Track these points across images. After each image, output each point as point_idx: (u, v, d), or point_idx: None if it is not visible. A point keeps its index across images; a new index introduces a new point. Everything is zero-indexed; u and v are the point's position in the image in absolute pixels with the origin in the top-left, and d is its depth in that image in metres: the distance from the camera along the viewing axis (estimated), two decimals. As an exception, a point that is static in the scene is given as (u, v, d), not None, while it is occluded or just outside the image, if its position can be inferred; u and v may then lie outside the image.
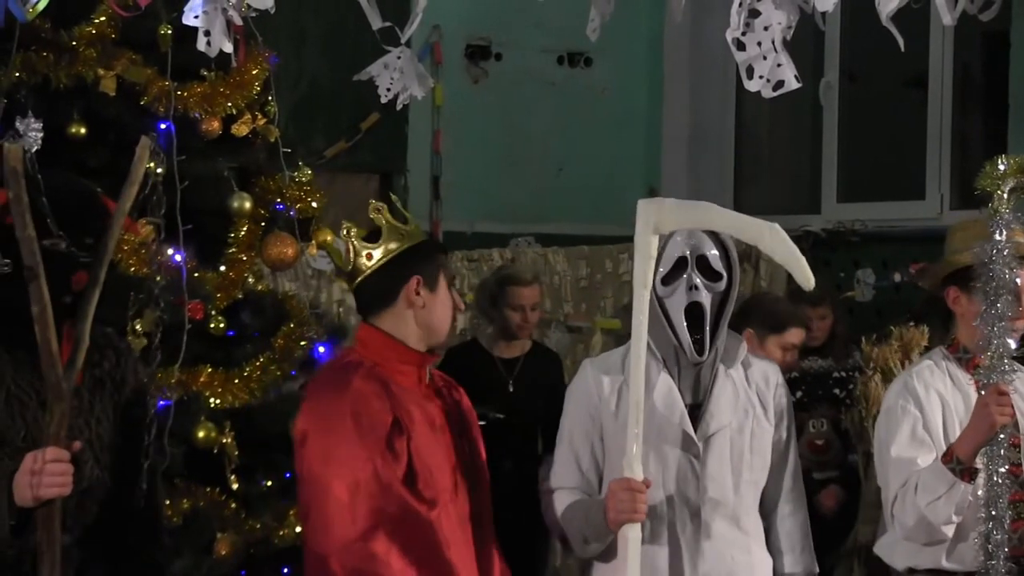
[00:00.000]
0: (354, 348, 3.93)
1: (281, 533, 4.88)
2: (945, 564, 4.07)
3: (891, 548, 4.21)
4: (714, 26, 6.89)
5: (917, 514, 3.99)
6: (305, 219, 5.08)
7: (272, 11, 3.69)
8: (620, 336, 7.57)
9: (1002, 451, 3.89)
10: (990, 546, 3.88)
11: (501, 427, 6.11)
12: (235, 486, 4.82)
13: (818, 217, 8.28)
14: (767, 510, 4.01)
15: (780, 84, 3.44)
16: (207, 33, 3.63)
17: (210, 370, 4.83)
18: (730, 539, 3.90)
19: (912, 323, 5.41)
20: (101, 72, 4.72)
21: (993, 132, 7.85)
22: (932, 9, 3.49)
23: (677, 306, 3.86)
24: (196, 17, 3.62)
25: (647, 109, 8.88)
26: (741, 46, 3.43)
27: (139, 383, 3.70)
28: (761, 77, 3.44)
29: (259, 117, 4.97)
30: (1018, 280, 3.92)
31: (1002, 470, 3.89)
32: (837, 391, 6.22)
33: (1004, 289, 3.88)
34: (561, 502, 3.96)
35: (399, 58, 4.17)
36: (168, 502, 4.52)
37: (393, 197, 4.00)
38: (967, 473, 3.92)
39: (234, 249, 4.97)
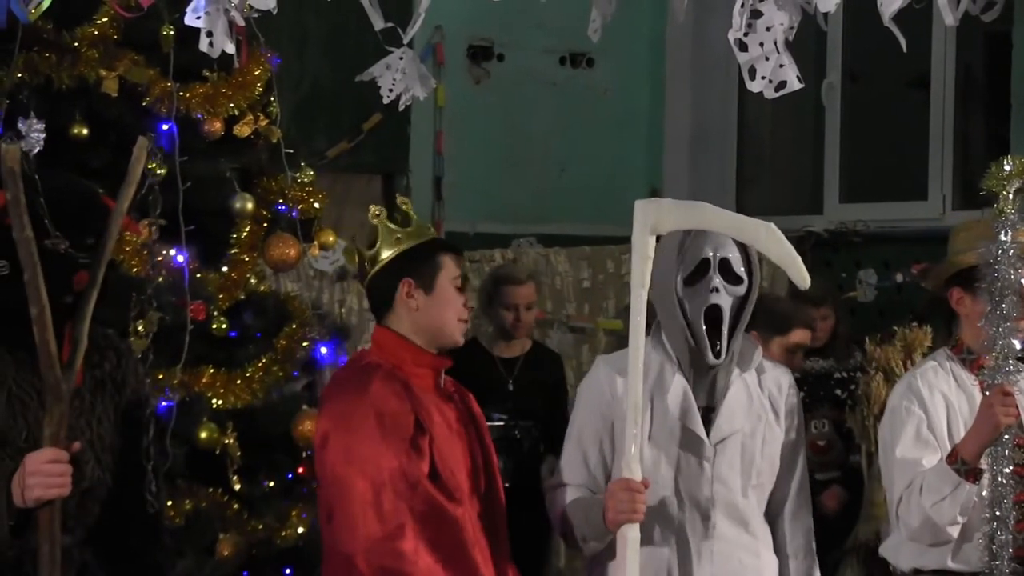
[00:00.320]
0: (370, 350, 3.95)
1: (283, 534, 4.89)
2: (950, 565, 4.07)
3: (896, 549, 4.21)
4: (716, 27, 6.88)
5: (922, 515, 3.99)
6: (307, 220, 5.09)
7: (274, 12, 3.68)
8: (623, 336, 7.55)
9: (1007, 451, 3.89)
10: (994, 546, 3.88)
11: (501, 427, 6.12)
12: (237, 487, 4.82)
13: (820, 218, 8.27)
14: (773, 514, 4.00)
15: (782, 85, 3.44)
16: (209, 34, 3.63)
17: (212, 371, 4.83)
18: (738, 542, 3.90)
19: (916, 324, 5.41)
20: (103, 73, 4.72)
21: (995, 132, 7.85)
22: (934, 10, 3.49)
23: (697, 308, 3.85)
24: (198, 18, 3.62)
25: (649, 110, 8.87)
26: (743, 47, 3.43)
27: (140, 384, 3.70)
28: (763, 78, 3.44)
29: (261, 118, 4.97)
30: (1023, 280, 3.91)
31: (1007, 470, 3.89)
32: (839, 392, 6.22)
33: (1009, 290, 3.88)
34: (565, 499, 3.95)
35: (401, 59, 4.16)
36: (170, 503, 4.52)
37: (399, 199, 4.00)
38: (972, 474, 3.92)
39: (236, 250, 4.98)
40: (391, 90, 4.20)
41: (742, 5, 3.40)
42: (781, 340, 5.66)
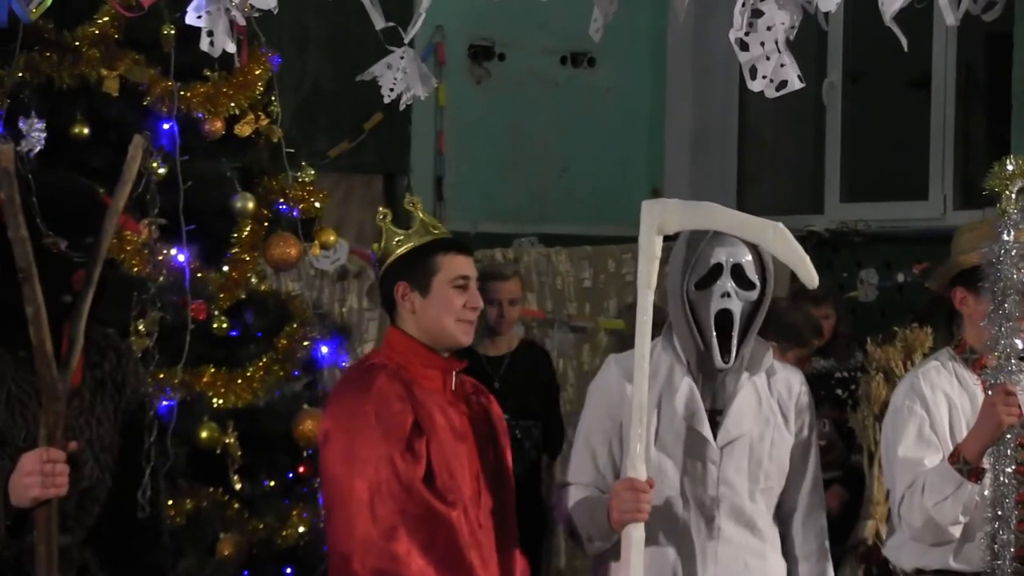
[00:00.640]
0: (381, 350, 3.97)
1: (284, 533, 4.89)
2: (952, 564, 4.06)
3: (898, 549, 4.21)
4: (717, 26, 6.88)
5: (924, 515, 3.98)
6: (308, 219, 5.09)
7: (275, 11, 3.68)
8: (624, 336, 7.56)
9: (1009, 451, 3.89)
10: (996, 546, 3.87)
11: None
12: (238, 486, 4.82)
13: (821, 217, 8.27)
14: (784, 516, 3.99)
15: (783, 84, 3.44)
16: (210, 33, 3.62)
17: (213, 370, 4.84)
18: (745, 544, 3.89)
19: (916, 324, 5.42)
20: (104, 72, 4.72)
21: (996, 132, 7.84)
22: (935, 9, 3.50)
23: (707, 312, 3.84)
24: (199, 17, 3.62)
25: (650, 109, 8.87)
26: (744, 46, 3.43)
27: (140, 384, 3.70)
28: (764, 77, 3.43)
29: (262, 117, 4.97)
30: (1026, 280, 3.91)
31: (1009, 470, 3.88)
32: (840, 392, 6.23)
33: (1012, 289, 3.87)
34: (572, 498, 3.95)
35: (402, 58, 4.16)
36: (171, 502, 4.52)
37: (408, 198, 3.99)
38: (974, 473, 3.92)
39: (237, 249, 4.98)
40: (392, 90, 4.19)
41: (743, 4, 3.40)
42: (798, 352, 5.68)
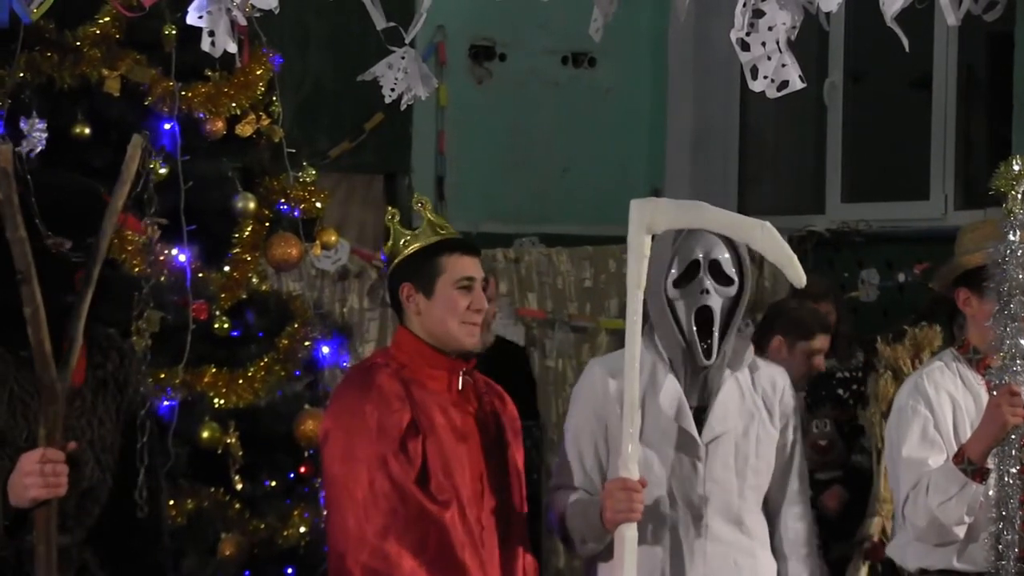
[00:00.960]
0: (386, 349, 3.99)
1: (285, 534, 4.89)
2: (956, 565, 4.07)
3: (903, 549, 4.21)
4: (718, 26, 6.87)
5: (929, 515, 3.99)
6: (309, 219, 5.09)
7: (276, 11, 3.68)
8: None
9: (1013, 451, 3.89)
10: (1000, 546, 3.87)
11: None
12: (239, 486, 4.82)
13: (822, 217, 8.26)
14: (772, 513, 4.00)
15: (784, 84, 3.44)
16: (211, 33, 3.62)
17: (214, 370, 4.84)
18: (733, 543, 3.90)
19: (924, 323, 5.40)
20: (105, 72, 4.73)
21: (997, 132, 7.84)
22: (936, 9, 3.50)
23: (687, 309, 3.86)
24: (200, 17, 3.61)
25: (651, 109, 8.86)
26: (745, 46, 3.43)
27: (142, 384, 3.70)
28: (765, 77, 3.43)
29: (263, 117, 4.98)
30: (1032, 280, 3.91)
31: (1013, 470, 3.88)
32: (841, 391, 6.21)
33: (1017, 290, 3.87)
34: (563, 501, 3.95)
35: (403, 58, 4.15)
36: (172, 502, 4.52)
37: (416, 197, 4.00)
38: (978, 474, 3.92)
39: (238, 249, 4.98)
40: (393, 90, 4.19)
41: (744, 4, 3.40)
42: (804, 345, 5.67)
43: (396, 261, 3.89)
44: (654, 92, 8.84)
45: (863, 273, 7.77)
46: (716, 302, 3.86)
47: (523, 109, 8.50)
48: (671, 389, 3.89)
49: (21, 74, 4.62)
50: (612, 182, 8.54)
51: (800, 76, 3.43)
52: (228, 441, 4.77)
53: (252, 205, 4.93)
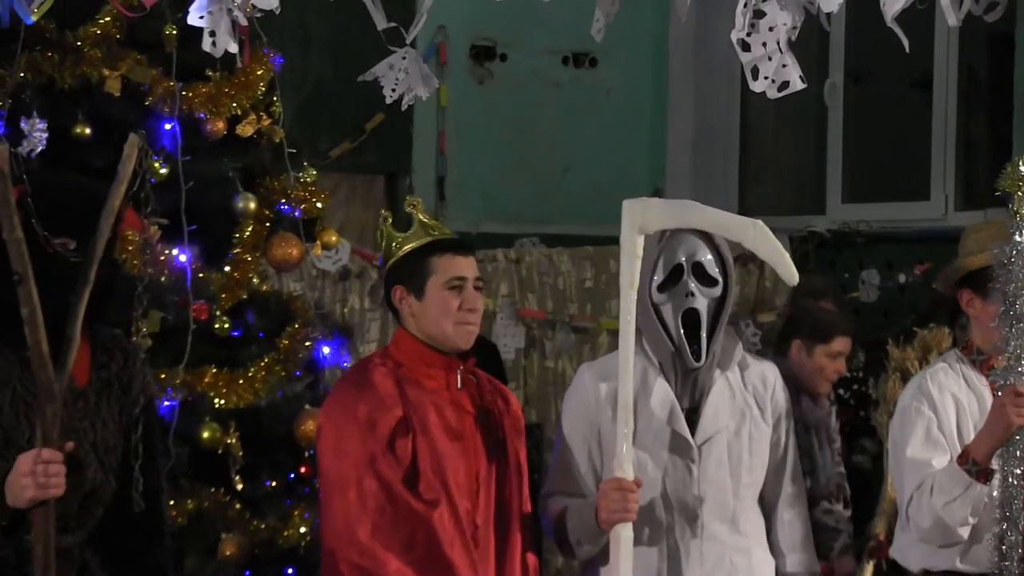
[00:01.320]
0: (387, 348, 4.00)
1: (286, 534, 4.89)
2: (960, 566, 4.06)
3: (906, 550, 4.20)
4: (719, 27, 6.87)
5: (933, 516, 3.98)
6: (310, 220, 5.10)
7: (277, 12, 3.68)
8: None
9: (1018, 452, 3.88)
10: (1004, 547, 3.87)
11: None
12: (240, 487, 4.83)
13: (823, 218, 8.26)
14: (767, 510, 4.00)
15: (785, 85, 3.44)
16: (212, 33, 3.62)
17: (215, 370, 4.84)
18: (729, 542, 3.90)
19: (933, 325, 5.40)
20: (106, 72, 4.73)
21: (998, 133, 7.84)
22: (937, 10, 3.49)
23: (674, 313, 3.86)
24: (201, 17, 3.61)
25: (652, 110, 8.87)
26: (746, 47, 3.43)
27: (146, 385, 3.70)
28: (766, 78, 3.43)
29: (264, 118, 4.98)
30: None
31: (1018, 471, 3.88)
32: (841, 391, 6.22)
33: (1023, 290, 3.87)
34: (557, 505, 3.95)
35: (404, 58, 4.15)
36: (173, 503, 4.52)
37: (408, 200, 3.99)
38: (983, 474, 3.92)
39: (239, 250, 4.98)
40: (394, 90, 4.19)
41: (745, 5, 3.40)
42: (824, 348, 5.65)
43: (389, 264, 3.89)
44: (655, 92, 8.85)
45: (863, 274, 7.77)
46: (702, 304, 3.86)
47: (524, 109, 8.50)
48: (662, 392, 3.89)
49: (22, 74, 4.62)
50: (613, 182, 8.54)
51: (801, 76, 3.43)
52: (228, 441, 4.77)
53: (253, 205, 4.93)
